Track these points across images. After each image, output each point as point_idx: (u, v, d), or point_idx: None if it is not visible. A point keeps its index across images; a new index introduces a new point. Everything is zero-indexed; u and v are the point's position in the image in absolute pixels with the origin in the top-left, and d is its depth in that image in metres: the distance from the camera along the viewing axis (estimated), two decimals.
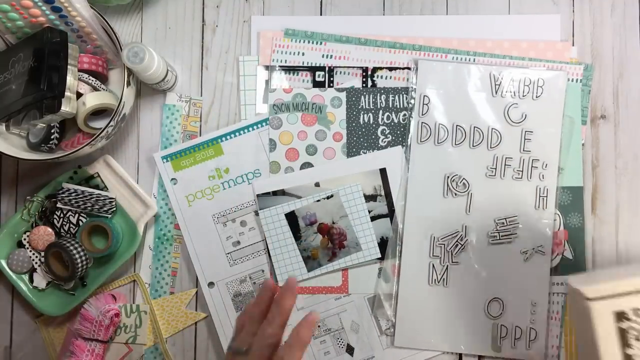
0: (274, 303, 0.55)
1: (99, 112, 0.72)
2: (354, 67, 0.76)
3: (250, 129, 0.76)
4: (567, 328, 0.74)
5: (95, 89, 0.72)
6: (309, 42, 0.76)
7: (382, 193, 0.74)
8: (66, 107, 0.66)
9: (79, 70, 0.70)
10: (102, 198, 0.74)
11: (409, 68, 0.75)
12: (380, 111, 0.75)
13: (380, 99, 0.75)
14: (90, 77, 0.71)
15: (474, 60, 0.75)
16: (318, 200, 0.74)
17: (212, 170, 0.75)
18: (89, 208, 0.74)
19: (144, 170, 0.77)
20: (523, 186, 0.73)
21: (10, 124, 0.72)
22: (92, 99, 0.69)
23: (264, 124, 0.75)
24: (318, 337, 0.74)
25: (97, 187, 0.75)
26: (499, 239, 0.73)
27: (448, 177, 0.73)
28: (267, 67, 0.76)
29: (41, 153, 0.71)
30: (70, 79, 0.67)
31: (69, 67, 0.67)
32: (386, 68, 0.75)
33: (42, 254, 0.74)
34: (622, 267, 0.74)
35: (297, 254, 0.74)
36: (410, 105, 0.75)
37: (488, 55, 0.75)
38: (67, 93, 0.66)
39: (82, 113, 0.69)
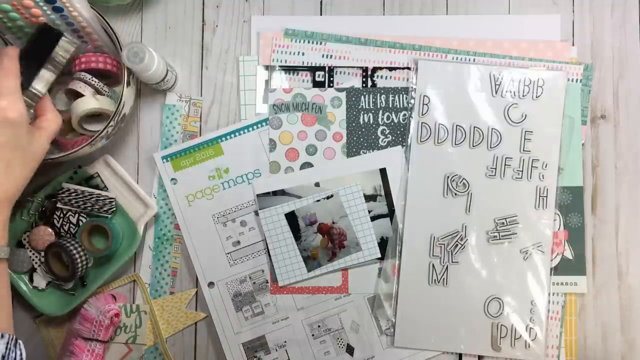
0: None
1: (96, 115, 0.72)
2: (354, 67, 0.76)
3: (250, 129, 0.76)
4: (567, 328, 0.74)
5: (97, 90, 0.71)
6: (309, 42, 0.76)
7: (382, 193, 0.74)
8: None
9: (93, 70, 0.70)
10: (102, 198, 0.74)
11: (409, 68, 0.75)
12: (380, 111, 0.75)
13: (380, 99, 0.75)
14: (93, 78, 0.70)
15: (474, 60, 0.75)
16: (318, 200, 0.74)
17: (212, 170, 0.75)
18: (89, 208, 0.74)
19: (144, 170, 0.77)
20: (523, 186, 0.73)
21: None
22: (83, 105, 0.69)
23: (264, 124, 0.75)
24: (318, 337, 0.74)
25: (97, 187, 0.75)
26: (499, 238, 0.73)
27: (448, 177, 0.74)
28: (267, 67, 0.76)
29: None
30: (44, 77, 0.66)
31: (47, 67, 0.66)
32: (386, 68, 0.75)
33: (42, 254, 0.74)
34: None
35: (297, 254, 0.74)
36: (410, 105, 0.75)
37: (488, 55, 0.75)
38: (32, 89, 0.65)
39: (74, 117, 0.70)
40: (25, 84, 0.63)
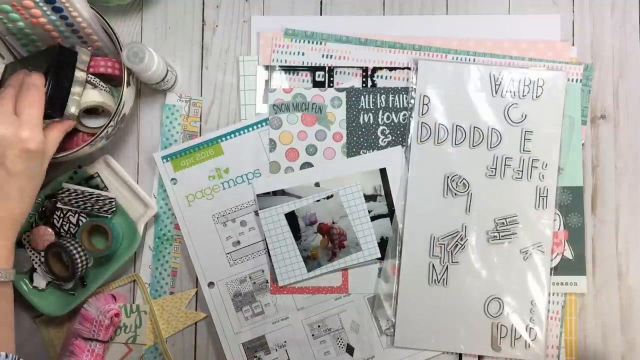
0: None
1: (94, 111, 0.72)
2: (354, 67, 0.76)
3: (250, 129, 0.76)
4: (567, 328, 0.74)
5: (95, 87, 0.71)
6: (309, 42, 0.76)
7: (382, 193, 0.74)
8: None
9: (95, 74, 0.70)
10: (102, 198, 0.74)
11: (409, 68, 0.75)
12: (380, 111, 0.75)
13: (380, 99, 0.75)
14: (90, 75, 0.70)
15: (474, 60, 0.75)
16: (318, 200, 0.74)
17: (212, 170, 0.75)
18: (89, 208, 0.74)
19: (144, 170, 0.77)
20: (523, 186, 0.73)
21: None
22: (85, 97, 0.69)
23: (264, 124, 0.75)
24: (318, 337, 0.74)
25: (97, 187, 0.75)
26: (499, 238, 0.73)
27: (448, 177, 0.74)
28: (267, 67, 0.76)
29: None
30: (74, 100, 0.67)
31: (75, 84, 0.67)
32: (386, 68, 0.75)
33: (42, 254, 0.74)
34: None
35: (297, 254, 0.74)
36: (410, 105, 0.75)
37: (488, 55, 0.75)
38: (67, 113, 0.66)
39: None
40: (59, 113, 0.65)
